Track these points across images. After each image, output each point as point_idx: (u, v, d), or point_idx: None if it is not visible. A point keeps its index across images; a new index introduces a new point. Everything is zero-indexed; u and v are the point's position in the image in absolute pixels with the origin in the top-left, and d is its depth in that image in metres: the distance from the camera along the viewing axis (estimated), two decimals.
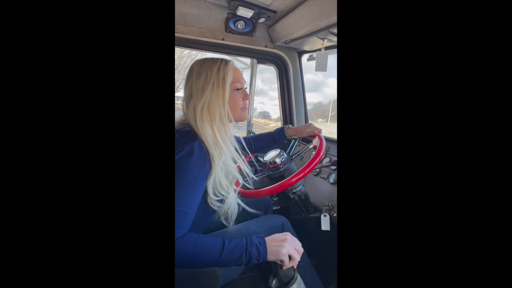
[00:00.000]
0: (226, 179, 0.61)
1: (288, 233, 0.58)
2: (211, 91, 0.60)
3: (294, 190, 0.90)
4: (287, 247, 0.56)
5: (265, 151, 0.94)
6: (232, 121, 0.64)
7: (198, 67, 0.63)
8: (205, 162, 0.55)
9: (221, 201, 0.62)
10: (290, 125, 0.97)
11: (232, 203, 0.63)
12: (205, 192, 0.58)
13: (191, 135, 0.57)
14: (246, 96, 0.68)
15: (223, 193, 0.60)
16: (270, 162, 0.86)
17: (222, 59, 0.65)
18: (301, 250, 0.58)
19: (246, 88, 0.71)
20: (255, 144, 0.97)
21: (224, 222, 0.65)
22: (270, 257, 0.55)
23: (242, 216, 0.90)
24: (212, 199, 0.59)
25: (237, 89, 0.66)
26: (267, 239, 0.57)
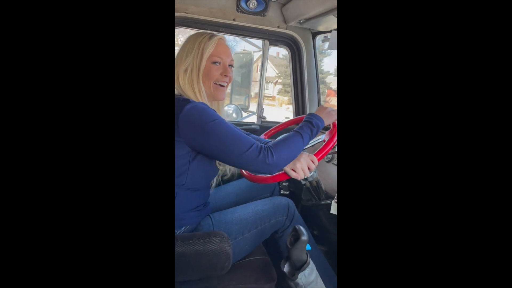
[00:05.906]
0: None
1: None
2: (191, 62, 0.63)
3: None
4: (335, 111, 0.74)
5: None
6: (207, 96, 0.66)
7: (187, 38, 0.66)
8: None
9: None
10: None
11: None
12: None
13: (183, 99, 0.59)
14: (225, 72, 0.66)
15: None
16: None
17: (209, 33, 0.66)
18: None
19: (232, 67, 0.69)
20: None
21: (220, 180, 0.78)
22: (327, 120, 0.73)
23: (247, 194, 0.92)
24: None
25: (215, 63, 0.65)
26: (317, 112, 0.73)
